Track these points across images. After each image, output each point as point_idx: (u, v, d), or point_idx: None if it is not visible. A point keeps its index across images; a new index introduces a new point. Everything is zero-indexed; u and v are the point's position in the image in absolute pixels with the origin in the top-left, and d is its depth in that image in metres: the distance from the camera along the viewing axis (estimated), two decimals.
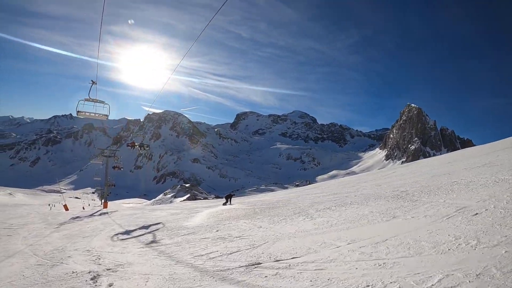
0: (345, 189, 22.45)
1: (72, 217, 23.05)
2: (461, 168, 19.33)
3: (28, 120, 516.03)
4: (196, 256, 8.13)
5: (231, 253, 7.95)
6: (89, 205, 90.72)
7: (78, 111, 17.04)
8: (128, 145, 31.40)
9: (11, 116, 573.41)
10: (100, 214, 25.74)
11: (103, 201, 46.84)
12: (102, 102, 17.56)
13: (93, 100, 17.26)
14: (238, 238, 9.77)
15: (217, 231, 11.74)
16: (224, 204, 25.14)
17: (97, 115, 17.61)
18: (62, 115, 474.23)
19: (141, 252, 9.25)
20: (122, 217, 21.27)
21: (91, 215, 25.62)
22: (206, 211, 20.80)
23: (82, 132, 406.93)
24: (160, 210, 25.21)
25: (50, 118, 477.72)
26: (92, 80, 16.91)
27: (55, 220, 20.70)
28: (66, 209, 34.87)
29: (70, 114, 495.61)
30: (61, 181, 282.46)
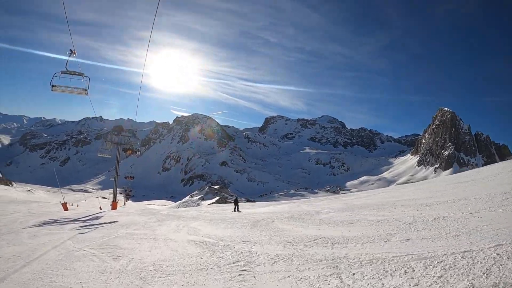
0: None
1: (45, 222, 17.41)
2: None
3: (59, 122, 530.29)
4: None
5: None
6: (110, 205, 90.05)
7: (52, 85, 14.92)
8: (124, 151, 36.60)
9: (43, 117, 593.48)
10: (90, 219, 20.18)
11: (119, 200, 44.56)
12: (81, 74, 15.40)
13: (70, 73, 15.18)
14: None
15: None
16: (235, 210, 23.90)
17: (74, 89, 15.38)
18: (93, 117, 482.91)
19: None
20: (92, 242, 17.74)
21: (76, 220, 19.57)
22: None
23: (111, 134, 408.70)
24: (177, 220, 20.04)
25: (80, 120, 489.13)
26: (70, 49, 14.72)
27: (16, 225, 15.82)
28: (65, 208, 30.37)
29: (100, 116, 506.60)
30: (90, 181, 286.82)
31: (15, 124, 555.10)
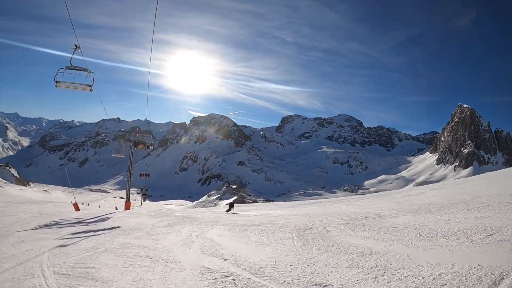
0: None
1: (47, 224, 15.34)
2: None
3: (77, 124, 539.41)
4: None
5: None
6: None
7: (56, 81, 14.53)
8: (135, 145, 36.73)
9: (62, 119, 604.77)
10: (95, 221, 17.58)
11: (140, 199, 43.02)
12: (86, 70, 14.87)
13: (74, 68, 14.70)
14: None
15: None
16: (227, 211, 23.79)
17: (79, 85, 14.83)
18: (110, 119, 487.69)
19: None
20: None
21: (80, 222, 17.35)
22: None
23: (128, 135, 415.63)
24: (190, 225, 15.02)
25: (98, 122, 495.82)
26: (75, 45, 14.29)
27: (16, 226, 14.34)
28: (77, 209, 28.20)
29: (118, 118, 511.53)
30: (108, 181, 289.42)
31: (34, 126, 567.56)
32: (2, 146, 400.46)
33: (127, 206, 35.45)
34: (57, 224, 15.65)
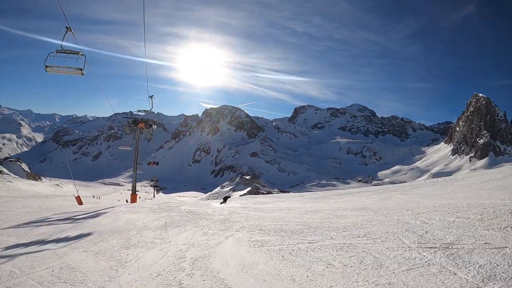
0: None
1: (32, 221, 13.21)
2: None
3: (90, 118, 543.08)
4: None
5: None
6: (139, 197, 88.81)
7: (46, 66, 13.67)
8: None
9: (75, 115, 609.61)
10: (84, 217, 14.96)
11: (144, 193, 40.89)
12: (77, 52, 13.94)
13: (65, 52, 13.86)
14: None
15: None
16: (221, 203, 23.49)
17: (69, 69, 13.99)
18: (123, 113, 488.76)
19: None
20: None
21: (68, 218, 15.03)
22: None
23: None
24: (194, 227, 11.09)
25: (111, 116, 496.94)
26: (66, 27, 13.40)
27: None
28: (79, 202, 25.75)
29: (130, 111, 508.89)
30: (121, 174, 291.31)
31: (47, 122, 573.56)
32: (17, 143, 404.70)
33: (134, 199, 33.56)
34: (41, 221, 13.50)
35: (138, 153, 36.21)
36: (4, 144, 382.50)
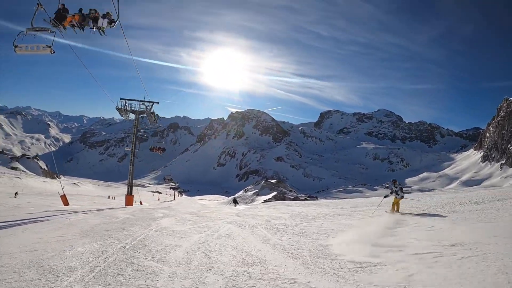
0: None
1: None
2: None
3: (117, 121, 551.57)
4: None
5: None
6: (158, 199, 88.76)
7: (15, 46, 13.03)
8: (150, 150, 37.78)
9: (102, 117, 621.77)
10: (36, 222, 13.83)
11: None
12: (47, 29, 13.24)
13: (36, 29, 13.16)
14: None
15: None
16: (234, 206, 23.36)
17: (38, 48, 13.33)
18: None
19: None
20: None
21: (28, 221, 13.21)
22: None
23: (167, 131, 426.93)
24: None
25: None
26: (38, 3, 12.67)
27: None
28: (65, 202, 23.21)
29: (157, 114, 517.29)
30: (146, 175, 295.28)
31: (75, 123, 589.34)
32: (45, 143, 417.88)
33: (129, 202, 29.29)
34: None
35: (133, 147, 34.07)
36: (32, 143, 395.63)
